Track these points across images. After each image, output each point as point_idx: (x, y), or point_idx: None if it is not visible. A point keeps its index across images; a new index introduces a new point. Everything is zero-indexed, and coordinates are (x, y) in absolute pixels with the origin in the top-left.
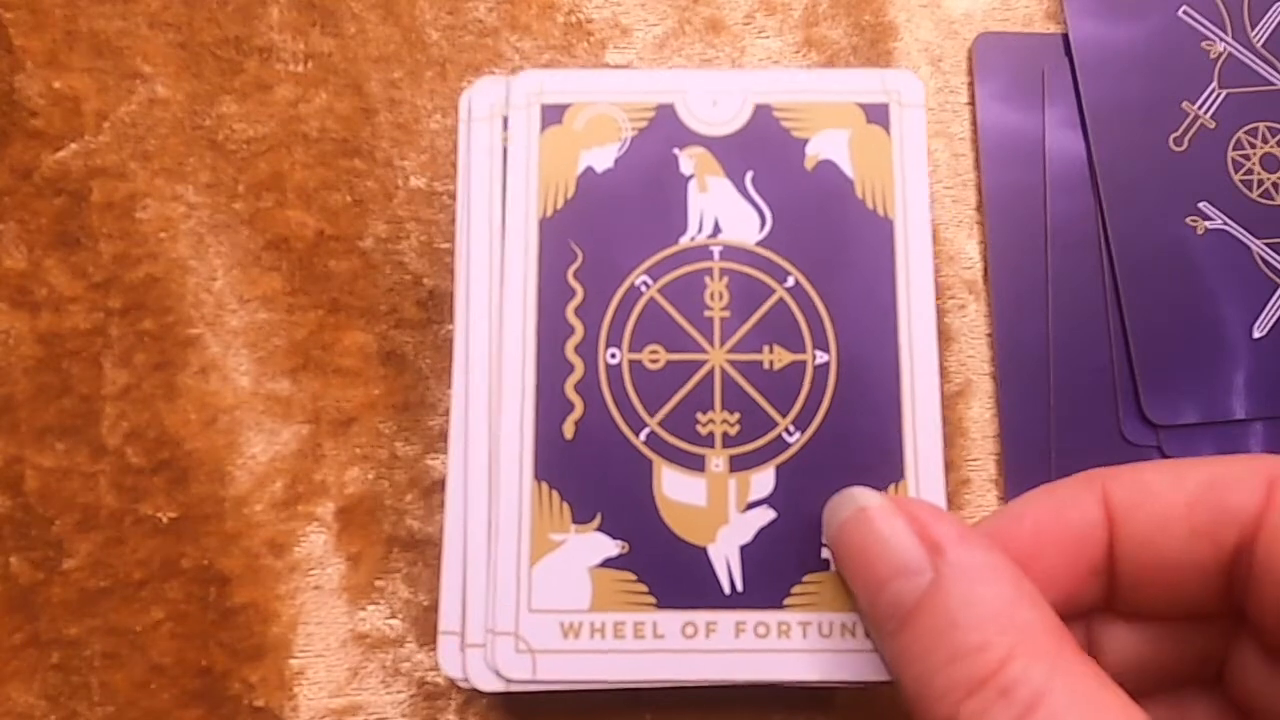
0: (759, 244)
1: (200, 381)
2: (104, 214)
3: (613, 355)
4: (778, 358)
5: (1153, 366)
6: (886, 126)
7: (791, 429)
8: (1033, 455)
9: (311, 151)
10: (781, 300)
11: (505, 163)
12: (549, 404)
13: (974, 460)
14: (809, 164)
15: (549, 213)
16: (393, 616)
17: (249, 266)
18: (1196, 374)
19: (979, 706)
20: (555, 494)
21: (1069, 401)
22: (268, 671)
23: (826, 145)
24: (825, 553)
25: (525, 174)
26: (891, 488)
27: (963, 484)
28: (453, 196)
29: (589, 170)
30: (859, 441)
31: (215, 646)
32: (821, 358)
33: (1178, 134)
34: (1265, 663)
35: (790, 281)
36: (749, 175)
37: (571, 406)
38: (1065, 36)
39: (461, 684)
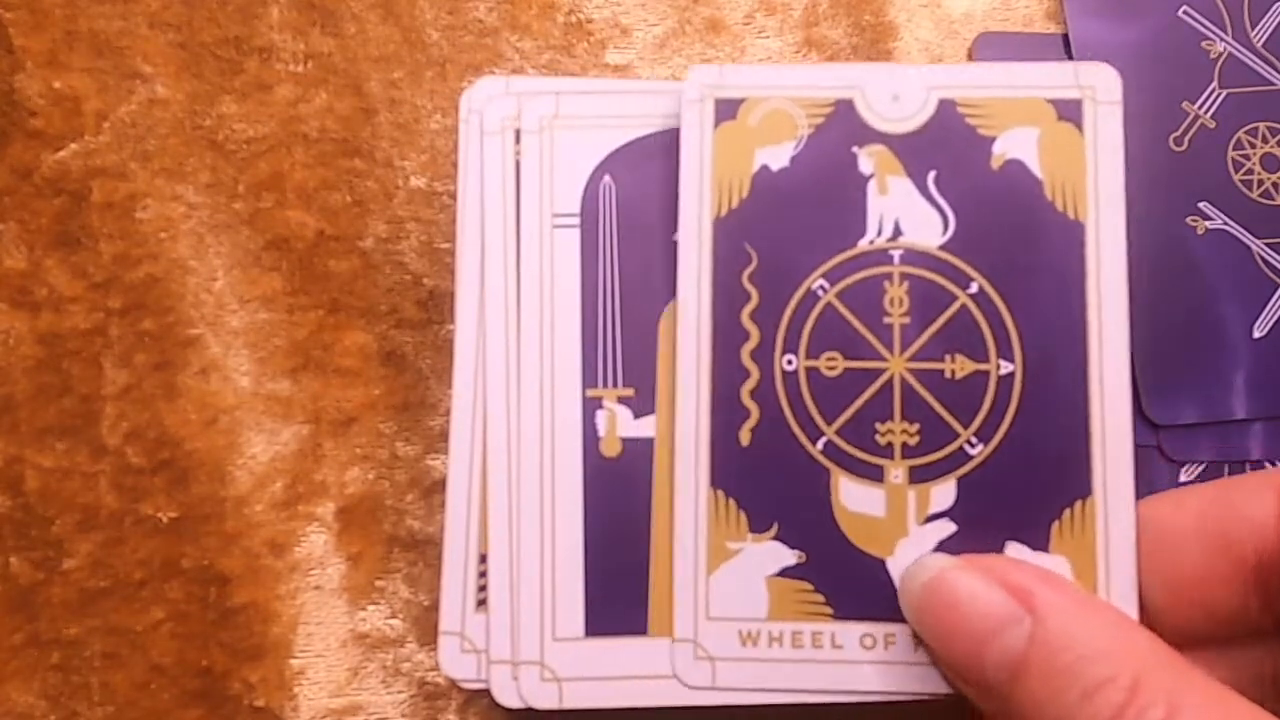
0: (941, 248)
1: (200, 381)
2: (104, 214)
3: (789, 361)
4: (960, 367)
5: (1153, 366)
6: (1079, 124)
7: (974, 441)
8: None
9: (311, 151)
10: (964, 307)
11: (679, 159)
12: (724, 411)
13: None
14: (995, 163)
15: (723, 212)
16: (393, 616)
17: (249, 266)
18: (1197, 373)
19: None
20: (732, 502)
21: None
22: (268, 671)
23: (1014, 144)
24: None
25: (699, 172)
26: (1079, 504)
27: None
28: (453, 196)
29: (764, 169)
30: (1044, 456)
31: (215, 646)
32: (1006, 368)
33: (1178, 134)
34: None
35: (974, 288)
36: (931, 175)
37: (747, 414)
38: (1065, 36)
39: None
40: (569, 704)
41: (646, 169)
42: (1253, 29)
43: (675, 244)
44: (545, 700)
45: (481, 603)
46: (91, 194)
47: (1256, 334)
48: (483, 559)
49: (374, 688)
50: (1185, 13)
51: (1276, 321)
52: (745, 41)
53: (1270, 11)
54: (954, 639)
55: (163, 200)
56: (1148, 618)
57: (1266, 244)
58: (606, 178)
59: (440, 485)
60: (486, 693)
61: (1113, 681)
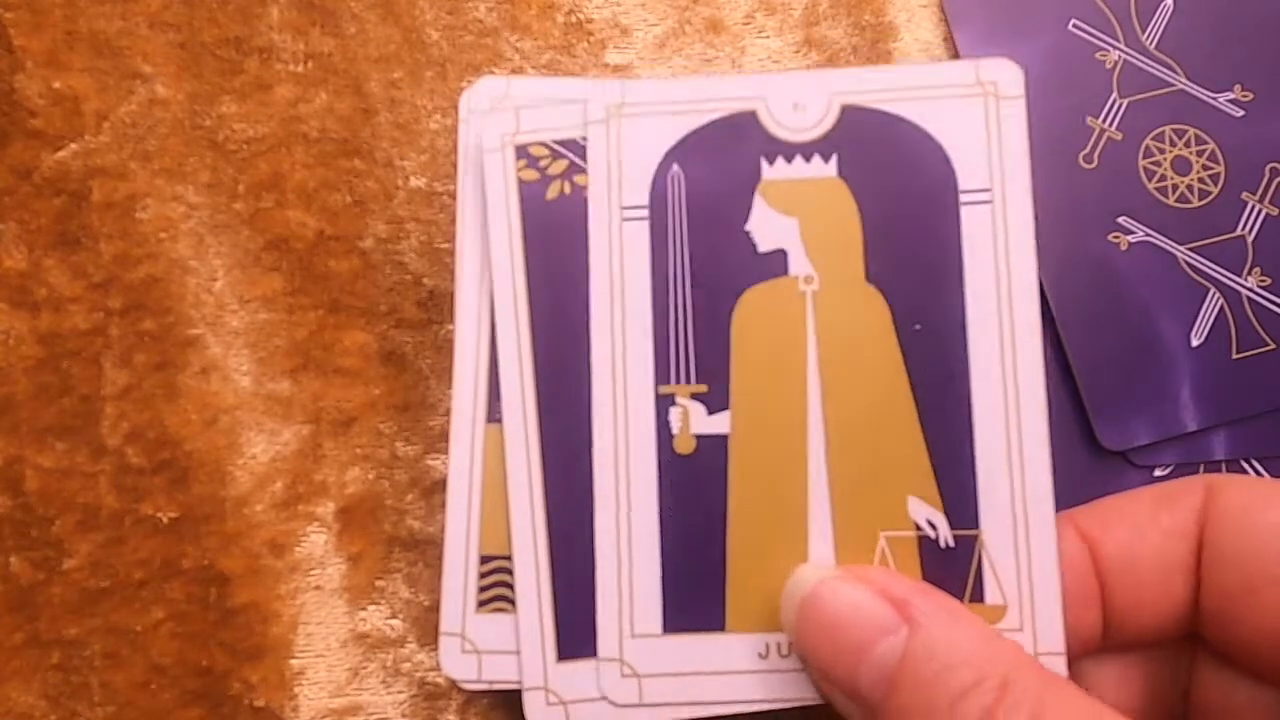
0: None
1: (201, 381)
2: (104, 214)
3: None
4: None
5: (1098, 392)
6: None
7: None
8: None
9: (311, 151)
10: None
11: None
12: None
13: None
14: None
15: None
16: (393, 616)
17: (249, 266)
18: (1143, 393)
19: None
20: None
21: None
22: (268, 671)
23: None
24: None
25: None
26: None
27: None
28: (453, 196)
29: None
30: None
31: (215, 646)
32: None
33: (1086, 151)
34: (1219, 676)
35: None
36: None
37: None
38: None
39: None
40: (649, 700)
41: (716, 156)
42: (1143, 32)
43: (747, 234)
44: (625, 696)
45: (483, 603)
46: (91, 194)
47: (1194, 342)
48: (483, 560)
49: (374, 688)
50: (1075, 26)
51: (1212, 326)
52: (745, 41)
53: (1158, 11)
54: (833, 648)
55: (163, 200)
56: (1113, 618)
57: (1190, 249)
58: (675, 167)
59: (440, 485)
60: (486, 693)
61: (980, 685)
